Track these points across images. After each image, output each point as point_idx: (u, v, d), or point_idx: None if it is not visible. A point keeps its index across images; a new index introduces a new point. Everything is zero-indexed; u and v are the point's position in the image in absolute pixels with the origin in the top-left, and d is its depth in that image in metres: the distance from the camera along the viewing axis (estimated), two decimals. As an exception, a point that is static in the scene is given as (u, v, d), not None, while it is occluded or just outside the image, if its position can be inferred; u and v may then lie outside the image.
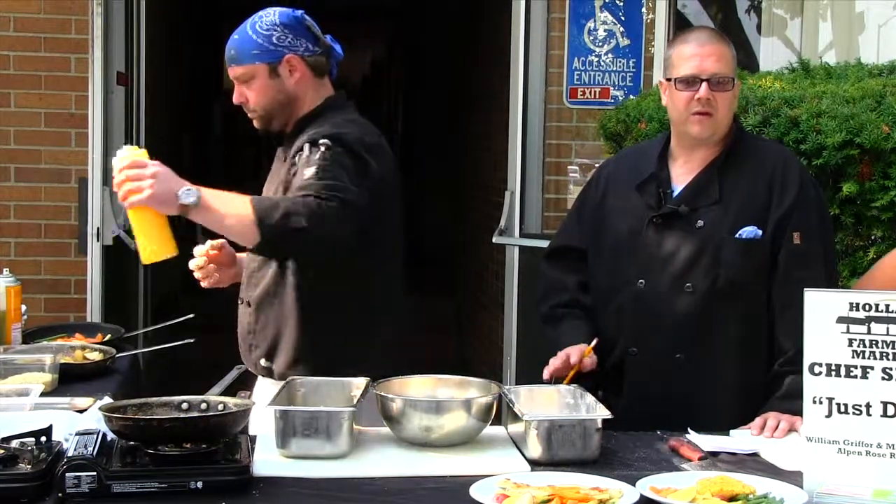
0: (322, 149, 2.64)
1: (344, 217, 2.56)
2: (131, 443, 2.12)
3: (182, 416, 2.19)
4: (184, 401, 2.24)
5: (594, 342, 2.75)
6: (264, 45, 2.78)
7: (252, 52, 2.79)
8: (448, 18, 10.04)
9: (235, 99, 2.87)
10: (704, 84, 2.70)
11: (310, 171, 2.61)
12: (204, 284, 2.99)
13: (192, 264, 2.95)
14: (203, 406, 2.23)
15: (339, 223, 2.56)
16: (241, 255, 3.01)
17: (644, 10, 5.47)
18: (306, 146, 2.69)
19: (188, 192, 2.48)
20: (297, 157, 2.72)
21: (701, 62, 2.71)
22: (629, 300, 2.79)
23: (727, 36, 2.85)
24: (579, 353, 2.72)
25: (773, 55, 5.53)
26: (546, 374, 2.74)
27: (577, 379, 2.69)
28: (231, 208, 2.53)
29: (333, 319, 2.78)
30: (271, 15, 2.80)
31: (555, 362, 2.73)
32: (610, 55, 5.47)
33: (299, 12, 2.83)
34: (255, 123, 2.91)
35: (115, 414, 2.13)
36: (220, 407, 2.21)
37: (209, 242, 2.95)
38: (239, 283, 3.00)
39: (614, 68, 5.48)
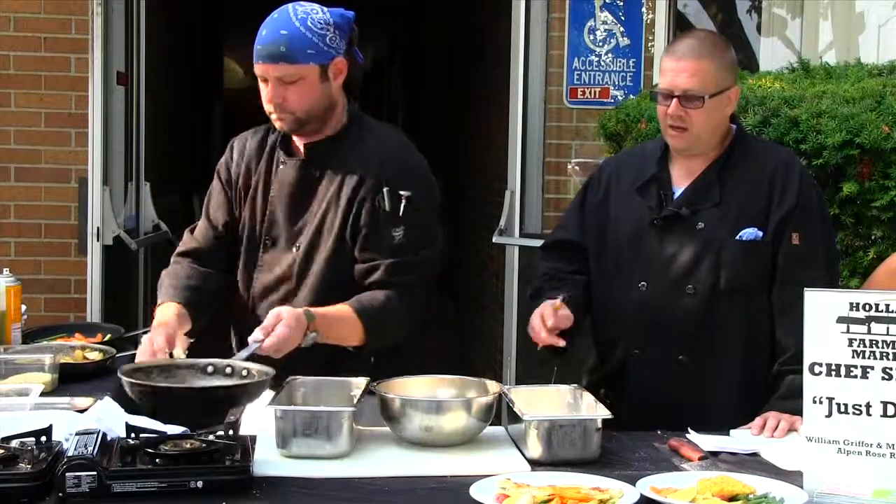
0: (404, 202, 2.69)
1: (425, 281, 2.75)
2: (131, 442, 2.12)
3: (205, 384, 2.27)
4: (209, 363, 2.25)
5: (561, 297, 2.69)
6: (319, 46, 2.59)
7: (307, 51, 2.57)
8: (449, 18, 10.04)
9: (270, 99, 2.62)
10: (674, 100, 2.69)
11: (398, 234, 2.68)
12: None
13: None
14: (228, 371, 2.24)
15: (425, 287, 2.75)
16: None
17: (644, 9, 5.46)
18: (386, 195, 2.68)
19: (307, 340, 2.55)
20: (370, 199, 2.68)
21: (674, 78, 2.69)
22: (631, 302, 2.78)
23: (725, 37, 2.83)
24: (551, 311, 2.66)
25: (773, 55, 5.52)
26: (539, 339, 2.69)
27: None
28: (342, 332, 2.63)
29: None
30: (323, 13, 2.61)
31: (535, 329, 2.68)
32: (610, 55, 5.47)
33: (351, 13, 2.67)
34: (283, 125, 2.69)
35: (135, 380, 2.20)
36: (244, 373, 2.23)
37: (179, 346, 2.68)
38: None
39: (614, 68, 5.47)
